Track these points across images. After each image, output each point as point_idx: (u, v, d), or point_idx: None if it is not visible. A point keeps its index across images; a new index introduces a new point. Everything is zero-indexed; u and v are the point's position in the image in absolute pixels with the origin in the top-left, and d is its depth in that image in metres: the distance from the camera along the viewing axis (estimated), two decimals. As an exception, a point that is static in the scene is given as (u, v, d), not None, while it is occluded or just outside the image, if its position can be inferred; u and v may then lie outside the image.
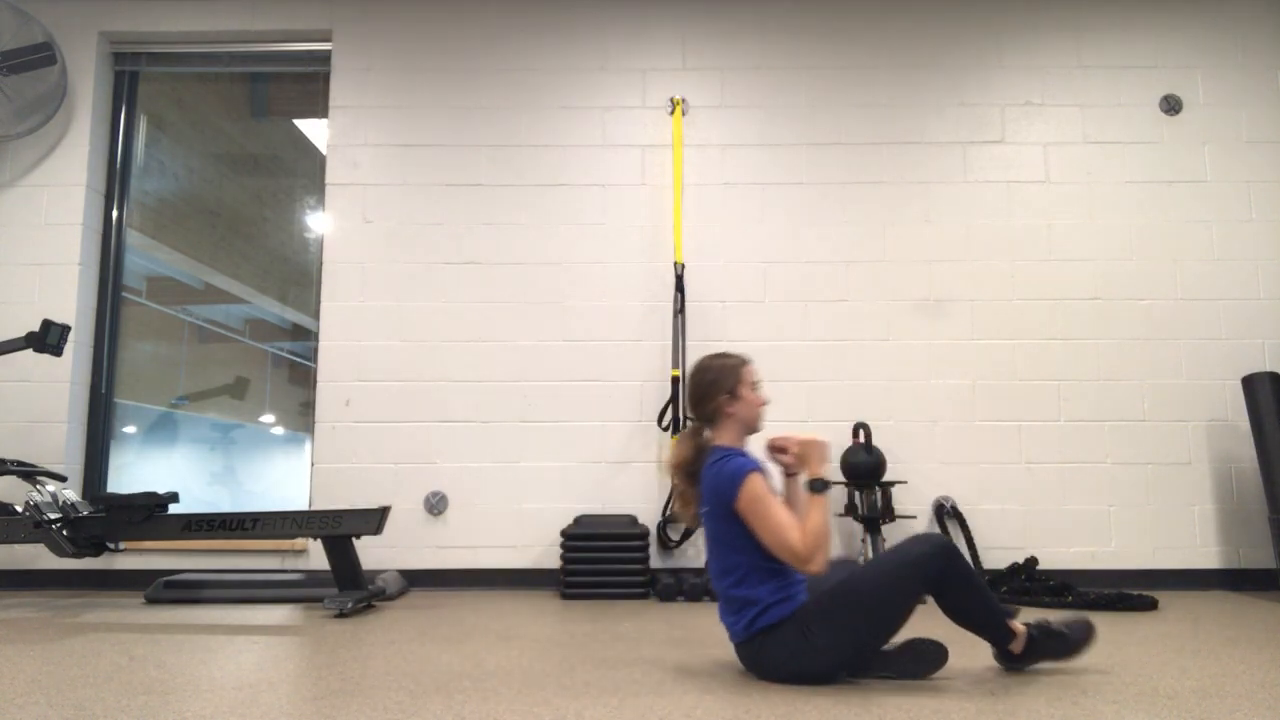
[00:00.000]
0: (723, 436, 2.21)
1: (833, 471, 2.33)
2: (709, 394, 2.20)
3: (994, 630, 2.13)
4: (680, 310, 4.07)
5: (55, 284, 4.22)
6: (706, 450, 2.21)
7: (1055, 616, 2.22)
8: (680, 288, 4.09)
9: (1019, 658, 2.16)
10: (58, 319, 4.06)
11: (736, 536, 2.08)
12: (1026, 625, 2.16)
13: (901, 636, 2.13)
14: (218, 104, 4.78)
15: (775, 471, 2.22)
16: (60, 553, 3.39)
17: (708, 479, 2.14)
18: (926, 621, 2.22)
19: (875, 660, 2.12)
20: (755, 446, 2.20)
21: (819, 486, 2.06)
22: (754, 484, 2.04)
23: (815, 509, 2.03)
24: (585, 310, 4.18)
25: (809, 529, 1.99)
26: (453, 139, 4.32)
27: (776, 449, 2.23)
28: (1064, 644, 2.16)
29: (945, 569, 2.03)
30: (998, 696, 1.93)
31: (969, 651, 2.33)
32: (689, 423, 2.31)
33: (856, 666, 2.10)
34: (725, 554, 2.12)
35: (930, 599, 2.11)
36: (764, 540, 2.03)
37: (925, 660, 2.13)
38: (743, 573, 2.08)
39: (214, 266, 4.72)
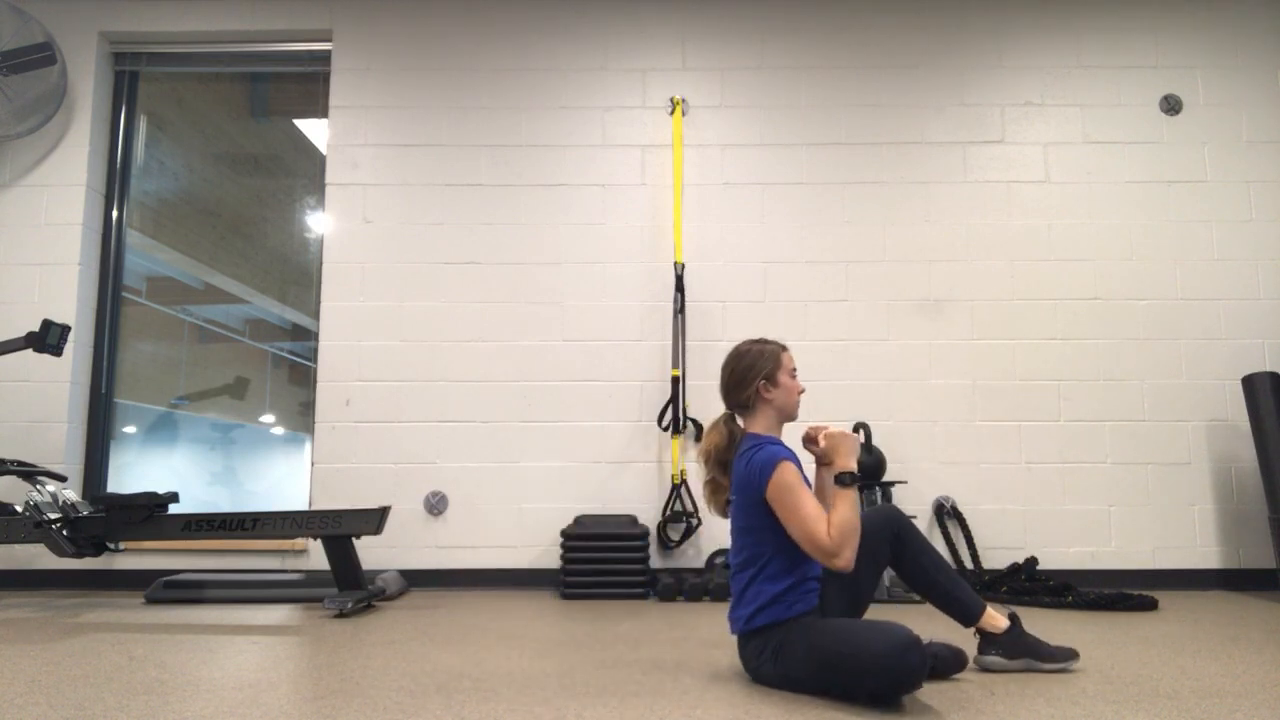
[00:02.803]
0: (757, 424, 2.18)
1: (831, 474, 2.31)
2: (746, 379, 2.16)
3: (960, 598, 2.14)
4: (680, 310, 4.07)
5: (55, 284, 4.22)
6: (739, 438, 2.19)
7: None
8: (680, 288, 4.09)
9: (1002, 639, 2.16)
10: (58, 319, 4.06)
11: (763, 528, 2.05)
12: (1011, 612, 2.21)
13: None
14: (218, 104, 4.78)
15: (810, 463, 2.19)
16: (60, 553, 3.39)
17: (739, 467, 2.10)
18: (923, 621, 2.22)
19: None
20: (791, 437, 2.16)
21: (848, 480, 2.01)
22: (785, 473, 2.00)
23: (843, 503, 1.98)
24: (585, 310, 4.18)
25: (836, 522, 1.94)
26: (453, 139, 4.32)
27: (810, 440, 2.19)
28: (1045, 647, 2.18)
29: (895, 537, 2.11)
30: (997, 696, 1.93)
31: (968, 652, 2.33)
32: (719, 414, 2.28)
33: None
34: (749, 544, 2.09)
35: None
36: (791, 532, 1.99)
37: (942, 663, 2.13)
38: (762, 563, 2.05)
39: (214, 266, 4.72)
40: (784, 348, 2.22)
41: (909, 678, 1.80)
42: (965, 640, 2.22)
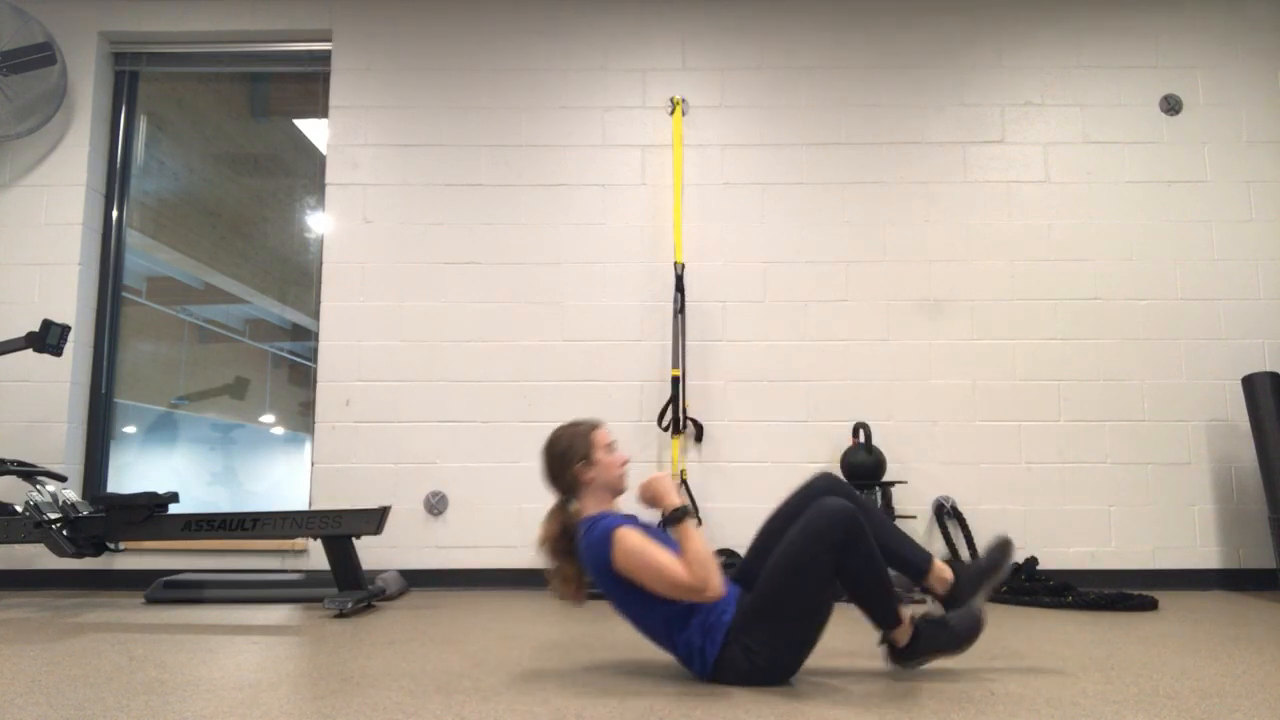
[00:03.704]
0: (589, 505, 2.17)
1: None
2: (564, 465, 2.18)
3: (884, 608, 2.03)
4: (680, 310, 4.07)
5: (55, 284, 4.22)
6: (574, 525, 2.17)
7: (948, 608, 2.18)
8: (680, 288, 4.08)
9: (905, 651, 2.09)
10: (58, 319, 4.06)
11: (636, 599, 2.04)
12: (913, 618, 2.10)
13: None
14: (218, 104, 4.78)
15: (656, 518, 2.15)
16: (60, 553, 3.39)
17: (584, 553, 2.09)
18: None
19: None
20: (628, 504, 2.15)
21: (678, 516, 1.99)
22: (624, 539, 1.99)
23: (687, 538, 1.96)
24: (585, 310, 4.18)
25: (690, 559, 1.93)
26: (453, 139, 4.32)
27: (644, 500, 2.10)
28: (951, 637, 2.08)
29: (849, 535, 1.92)
30: (997, 696, 1.93)
31: (968, 652, 2.33)
32: (556, 495, 2.24)
33: (807, 650, 2.04)
34: (637, 616, 2.09)
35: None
36: (654, 589, 1.98)
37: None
38: (661, 625, 2.05)
39: (214, 266, 4.72)
40: (595, 426, 2.23)
41: (859, 524, 1.90)
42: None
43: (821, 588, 1.97)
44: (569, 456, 2.18)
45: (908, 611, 2.09)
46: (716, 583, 1.94)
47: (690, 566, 1.93)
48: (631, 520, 2.10)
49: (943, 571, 2.18)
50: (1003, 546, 2.20)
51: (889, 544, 2.14)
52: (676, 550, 2.00)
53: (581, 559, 2.13)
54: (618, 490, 2.21)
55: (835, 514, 1.94)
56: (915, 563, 2.17)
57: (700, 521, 3.92)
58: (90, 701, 1.89)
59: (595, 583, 2.12)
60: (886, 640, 2.12)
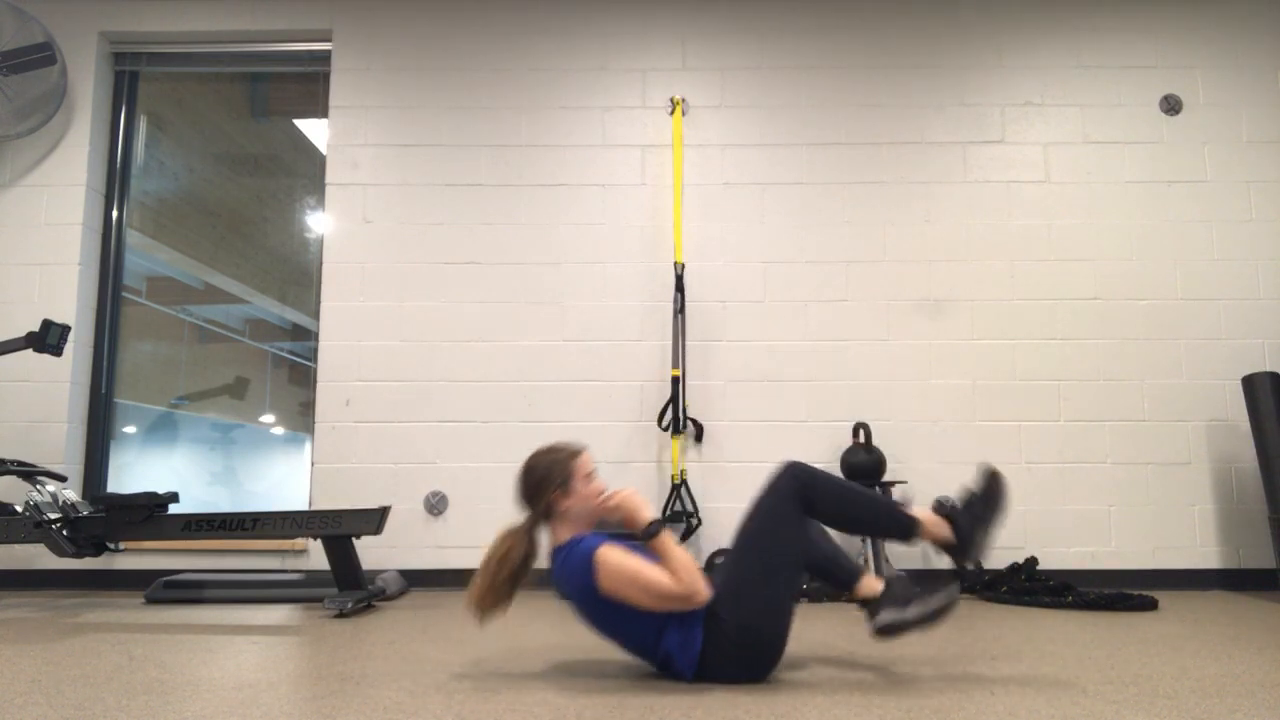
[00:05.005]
0: (562, 534, 2.12)
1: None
2: (540, 491, 2.10)
3: (889, 521, 2.08)
4: (680, 310, 4.07)
5: (55, 284, 4.22)
6: (535, 554, 2.13)
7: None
8: (680, 288, 4.09)
9: (879, 603, 2.08)
10: (58, 319, 4.06)
11: (620, 616, 2.03)
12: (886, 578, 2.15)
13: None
14: (218, 104, 4.78)
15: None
16: (60, 553, 3.39)
17: (561, 576, 2.08)
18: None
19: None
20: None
21: (653, 531, 1.99)
22: (606, 556, 1.98)
23: (668, 551, 1.97)
24: (585, 310, 4.18)
25: (675, 568, 1.94)
26: (453, 139, 4.32)
27: (613, 521, 2.11)
28: (925, 595, 2.05)
29: (801, 481, 2.02)
30: (997, 696, 1.93)
31: (968, 652, 2.33)
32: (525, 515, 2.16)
33: (787, 616, 2.04)
34: (621, 632, 2.07)
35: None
36: (641, 603, 1.97)
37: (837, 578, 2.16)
38: (644, 640, 2.05)
39: (214, 266, 4.72)
40: (577, 452, 2.14)
41: (804, 467, 2.03)
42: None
43: (790, 539, 2.01)
44: (546, 483, 2.10)
45: (918, 510, 2.09)
46: (702, 587, 1.94)
47: (676, 575, 1.93)
48: (604, 538, 2.06)
49: (873, 585, 2.14)
50: (992, 475, 2.12)
51: (864, 519, 2.14)
52: (650, 559, 1.99)
53: (558, 586, 2.11)
54: (592, 522, 2.15)
55: (780, 469, 2.07)
56: (893, 521, 2.11)
57: (700, 523, 3.93)
58: (90, 701, 1.89)
59: (576, 607, 2.10)
60: (865, 600, 2.13)
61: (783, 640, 2.05)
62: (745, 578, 2.01)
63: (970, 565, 2.12)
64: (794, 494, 2.04)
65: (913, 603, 2.06)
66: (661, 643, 2.05)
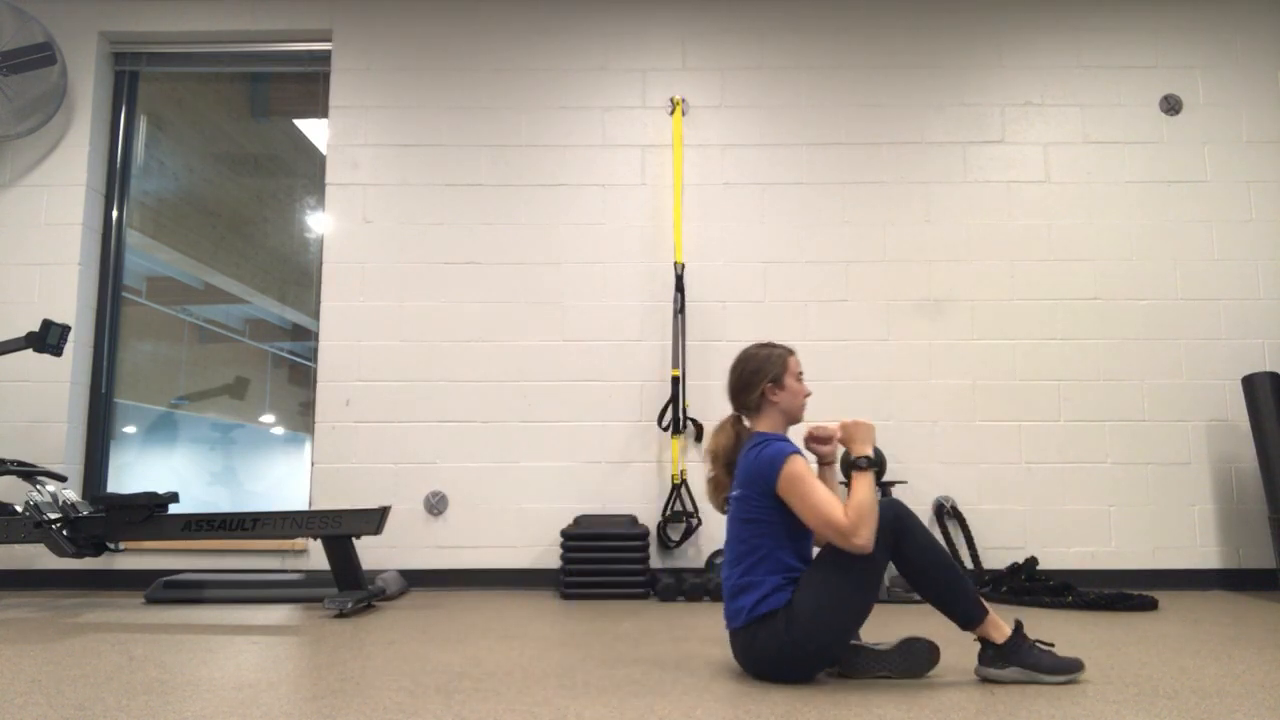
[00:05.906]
0: (763, 425, 2.22)
1: (834, 473, 2.32)
2: (753, 381, 2.21)
3: (965, 602, 2.04)
4: (680, 310, 4.07)
5: (55, 284, 4.22)
6: (745, 439, 2.23)
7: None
8: (680, 288, 4.08)
9: (1004, 648, 2.04)
10: (58, 319, 4.06)
11: (767, 521, 2.08)
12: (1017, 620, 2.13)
13: (895, 636, 2.14)
14: (218, 104, 4.78)
15: (812, 461, 2.21)
16: (60, 553, 3.39)
17: (745, 463, 2.15)
18: (920, 621, 2.22)
19: (869, 659, 2.11)
20: (795, 435, 2.21)
21: (863, 464, 2.07)
22: (796, 465, 2.06)
23: (860, 485, 2.03)
24: (585, 310, 4.18)
25: (853, 504, 1.99)
26: (453, 139, 4.32)
27: (816, 439, 2.24)
28: (1051, 657, 2.06)
29: (901, 524, 2.04)
30: (997, 696, 1.93)
31: (968, 652, 2.33)
32: (722, 417, 2.32)
33: (839, 654, 2.08)
34: (749, 537, 2.11)
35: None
36: (807, 519, 2.02)
37: (917, 658, 2.12)
38: (761, 555, 2.08)
39: (214, 266, 4.72)
40: (791, 351, 2.27)
41: (904, 510, 2.05)
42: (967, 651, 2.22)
43: (871, 575, 2.02)
44: (760, 375, 2.21)
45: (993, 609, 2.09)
46: (868, 534, 1.97)
47: (850, 510, 1.98)
48: (801, 451, 2.13)
49: (999, 628, 2.08)
50: (1072, 663, 2.08)
51: (942, 582, 2.09)
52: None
53: (740, 468, 2.17)
54: (795, 419, 2.25)
55: (883, 504, 2.06)
56: (968, 611, 2.07)
57: (700, 523, 3.93)
58: (90, 701, 1.89)
59: (741, 492, 2.14)
60: (981, 639, 2.08)
61: (824, 662, 2.08)
62: (829, 598, 2.01)
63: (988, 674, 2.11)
64: (889, 530, 2.03)
65: (1024, 665, 2.04)
66: (758, 578, 2.05)
